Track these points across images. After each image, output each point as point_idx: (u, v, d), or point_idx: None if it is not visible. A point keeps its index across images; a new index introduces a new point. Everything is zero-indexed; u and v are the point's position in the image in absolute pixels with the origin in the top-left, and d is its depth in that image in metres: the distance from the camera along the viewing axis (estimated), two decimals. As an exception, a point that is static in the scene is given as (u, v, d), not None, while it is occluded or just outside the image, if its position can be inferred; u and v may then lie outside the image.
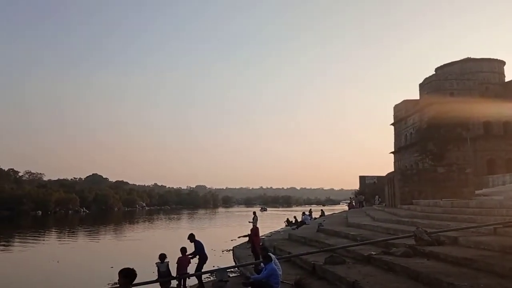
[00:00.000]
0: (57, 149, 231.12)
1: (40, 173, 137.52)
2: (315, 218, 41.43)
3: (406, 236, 12.61)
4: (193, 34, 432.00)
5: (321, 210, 53.02)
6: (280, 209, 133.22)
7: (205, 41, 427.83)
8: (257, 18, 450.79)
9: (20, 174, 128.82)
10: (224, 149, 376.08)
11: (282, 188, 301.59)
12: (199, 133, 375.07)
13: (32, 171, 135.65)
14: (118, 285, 6.43)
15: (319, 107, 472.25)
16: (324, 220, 29.98)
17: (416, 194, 23.95)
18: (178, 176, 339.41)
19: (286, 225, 38.57)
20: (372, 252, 11.95)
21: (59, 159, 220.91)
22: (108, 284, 13.48)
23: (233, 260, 19.55)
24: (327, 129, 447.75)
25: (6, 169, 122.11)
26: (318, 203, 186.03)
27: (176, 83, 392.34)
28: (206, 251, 13.08)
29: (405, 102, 44.51)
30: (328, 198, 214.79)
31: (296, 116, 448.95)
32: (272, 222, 52.18)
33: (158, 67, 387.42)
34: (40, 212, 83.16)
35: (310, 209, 48.83)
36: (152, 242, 32.21)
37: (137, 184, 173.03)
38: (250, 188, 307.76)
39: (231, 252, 22.31)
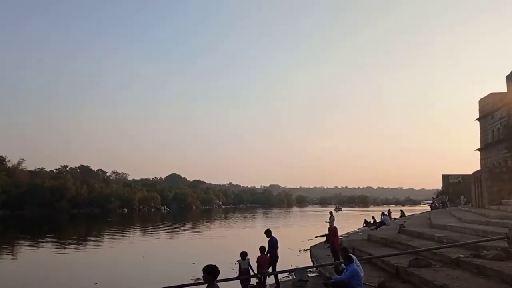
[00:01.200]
0: (140, 150, 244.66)
1: (125, 173, 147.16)
2: (395, 219, 40.05)
3: (498, 238, 11.79)
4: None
5: (401, 210, 51.02)
6: (356, 209, 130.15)
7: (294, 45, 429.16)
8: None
9: (107, 174, 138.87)
10: (297, 149, 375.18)
11: (358, 187, 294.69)
12: (272, 134, 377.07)
13: (118, 171, 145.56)
14: (203, 281, 6.61)
15: (398, 104, 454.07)
16: (405, 221, 28.83)
17: (505, 194, 22.16)
18: (252, 176, 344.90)
19: (364, 226, 37.60)
20: (461, 255, 11.25)
21: (141, 160, 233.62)
22: (191, 279, 13.95)
23: (310, 259, 19.42)
24: (405, 127, 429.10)
25: (95, 170, 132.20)
26: (396, 203, 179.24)
27: (258, 85, 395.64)
28: (281, 250, 13.11)
29: (492, 95, 41.32)
30: (407, 198, 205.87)
31: (372, 114, 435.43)
32: (348, 222, 51.10)
33: (239, 69, 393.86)
34: (125, 210, 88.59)
35: (389, 209, 47.20)
36: (229, 240, 32.97)
37: (213, 183, 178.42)
38: (325, 187, 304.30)
39: (308, 251, 22.18)
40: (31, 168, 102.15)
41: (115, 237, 35.65)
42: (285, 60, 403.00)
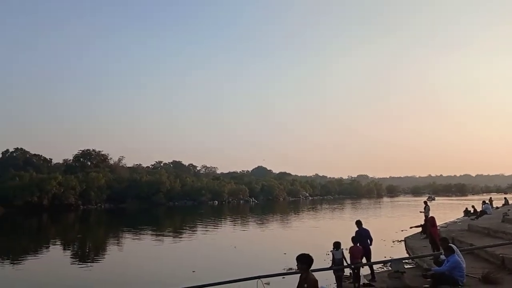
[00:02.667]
0: (227, 144, 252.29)
1: (214, 167, 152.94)
2: (497, 207, 37.32)
3: None
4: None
5: (505, 198, 47.07)
6: (453, 198, 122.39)
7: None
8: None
9: (198, 168, 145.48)
10: (385, 138, 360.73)
11: (455, 175, 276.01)
12: (358, 123, 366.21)
13: (207, 165, 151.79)
14: (297, 271, 6.56)
15: (493, 83, 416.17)
16: (509, 209, 26.53)
17: None
18: (338, 166, 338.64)
19: (464, 215, 35.27)
20: None
21: (228, 154, 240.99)
22: (283, 269, 14.06)
23: (405, 251, 18.65)
24: (503, 108, 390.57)
25: (186, 164, 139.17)
26: (498, 191, 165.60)
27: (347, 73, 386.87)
28: (374, 241, 12.70)
29: None
30: (510, 185, 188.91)
31: (467, 97, 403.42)
32: (444, 212, 48.25)
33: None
34: (216, 202, 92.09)
35: (490, 198, 43.70)
36: (319, 231, 32.79)
37: (298, 175, 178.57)
38: (417, 176, 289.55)
39: (402, 243, 21.33)
40: (129, 164, 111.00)
41: (208, 227, 37.22)
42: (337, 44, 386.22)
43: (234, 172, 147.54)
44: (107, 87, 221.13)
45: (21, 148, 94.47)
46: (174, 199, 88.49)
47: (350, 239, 11.78)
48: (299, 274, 6.86)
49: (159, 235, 32.01)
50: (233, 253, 21.39)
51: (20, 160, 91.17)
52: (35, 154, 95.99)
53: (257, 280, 10.01)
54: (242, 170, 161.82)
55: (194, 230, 35.38)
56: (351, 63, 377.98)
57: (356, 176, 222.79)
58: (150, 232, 34.25)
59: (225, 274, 14.24)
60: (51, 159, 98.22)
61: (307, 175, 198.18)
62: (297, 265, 6.58)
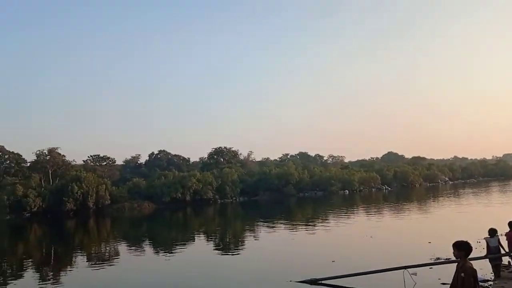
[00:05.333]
0: (351, 132, 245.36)
1: (341, 156, 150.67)
2: None
3: None
4: None
5: None
6: None
7: None
8: None
9: (324, 158, 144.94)
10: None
11: None
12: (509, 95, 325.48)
13: (334, 155, 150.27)
14: (452, 259, 5.92)
15: None
16: None
17: None
18: (480, 146, 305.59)
19: None
20: None
21: (357, 141, 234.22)
22: (430, 259, 13.04)
23: None
24: None
25: (313, 155, 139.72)
26: None
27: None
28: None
29: None
30: None
31: None
32: None
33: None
34: (347, 191, 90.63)
35: None
36: (464, 218, 30.08)
37: (435, 159, 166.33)
38: None
39: None
40: (258, 158, 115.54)
41: (340, 217, 36.64)
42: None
43: (363, 160, 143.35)
44: (235, 92, 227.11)
45: (164, 150, 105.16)
46: (303, 189, 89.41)
47: (507, 224, 10.35)
48: (453, 263, 6.25)
49: (293, 225, 32.49)
50: (370, 243, 20.64)
51: (164, 161, 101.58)
52: (175, 155, 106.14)
53: (403, 270, 9.43)
54: (371, 157, 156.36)
55: (327, 220, 35.14)
56: None
57: (501, 155, 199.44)
58: (283, 222, 35.00)
59: (365, 264, 13.77)
60: (189, 158, 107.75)
61: (445, 158, 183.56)
62: (453, 252, 6.10)
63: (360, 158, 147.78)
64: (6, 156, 73.99)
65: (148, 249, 25.67)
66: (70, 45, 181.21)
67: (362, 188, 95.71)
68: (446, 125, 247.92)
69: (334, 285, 11.77)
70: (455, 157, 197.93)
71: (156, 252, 24.21)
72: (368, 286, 11.50)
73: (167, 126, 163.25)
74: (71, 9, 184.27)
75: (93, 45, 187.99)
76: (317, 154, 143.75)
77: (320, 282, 12.02)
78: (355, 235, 24.41)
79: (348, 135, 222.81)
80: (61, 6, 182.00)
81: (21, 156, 75.16)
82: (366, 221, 32.79)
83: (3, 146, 74.02)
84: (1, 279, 18.24)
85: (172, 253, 22.88)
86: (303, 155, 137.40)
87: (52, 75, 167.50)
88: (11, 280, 17.66)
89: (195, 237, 30.55)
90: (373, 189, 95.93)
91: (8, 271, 20.67)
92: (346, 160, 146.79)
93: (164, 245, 27.10)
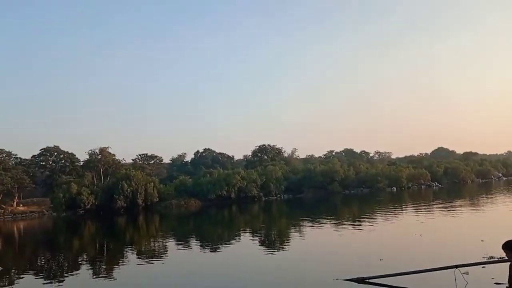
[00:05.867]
0: (399, 128, 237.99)
1: (388, 152, 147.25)
2: None
3: None
4: None
5: None
6: None
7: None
8: None
9: (370, 154, 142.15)
10: None
11: None
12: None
13: (380, 151, 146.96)
14: (505, 259, 5.69)
15: None
16: None
17: None
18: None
19: None
20: None
21: (401, 137, 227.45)
22: (483, 258, 12.53)
23: None
24: None
25: (358, 152, 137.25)
26: None
27: None
28: None
29: None
30: None
31: None
32: None
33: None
34: (394, 189, 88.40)
35: None
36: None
37: (487, 154, 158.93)
38: None
39: None
40: (302, 156, 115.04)
41: (388, 215, 35.80)
42: None
43: (411, 156, 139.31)
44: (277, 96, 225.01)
45: (209, 148, 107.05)
46: (349, 187, 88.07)
47: None
48: (508, 263, 5.99)
49: (339, 223, 32.13)
50: (419, 241, 20.06)
51: (209, 159, 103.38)
52: (220, 153, 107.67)
53: (454, 269, 9.12)
54: (420, 153, 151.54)
55: (374, 218, 34.45)
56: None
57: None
58: (329, 220, 34.66)
59: (414, 263, 13.44)
60: (233, 156, 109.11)
61: (498, 153, 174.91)
62: (506, 254, 5.79)
63: (408, 154, 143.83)
64: (61, 156, 77.92)
65: (194, 245, 26.26)
66: (120, 45, 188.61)
67: (410, 185, 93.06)
68: (499, 119, 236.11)
69: (382, 284, 11.57)
70: (509, 152, 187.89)
71: (202, 249, 24.74)
72: (418, 286, 11.22)
73: (212, 126, 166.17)
74: (126, 9, 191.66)
75: (142, 46, 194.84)
76: (363, 151, 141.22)
77: (367, 280, 11.85)
78: (403, 233, 23.82)
79: (394, 132, 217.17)
80: (118, 6, 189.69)
81: (75, 155, 78.95)
82: (415, 219, 31.85)
83: (58, 146, 78.04)
84: (58, 272, 19.28)
85: (218, 250, 23.32)
86: (349, 152, 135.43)
87: (103, 76, 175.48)
88: (68, 274, 18.63)
89: (241, 234, 30.91)
90: (422, 186, 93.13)
91: (65, 265, 21.79)
92: (393, 156, 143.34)
93: (211, 242, 27.65)
